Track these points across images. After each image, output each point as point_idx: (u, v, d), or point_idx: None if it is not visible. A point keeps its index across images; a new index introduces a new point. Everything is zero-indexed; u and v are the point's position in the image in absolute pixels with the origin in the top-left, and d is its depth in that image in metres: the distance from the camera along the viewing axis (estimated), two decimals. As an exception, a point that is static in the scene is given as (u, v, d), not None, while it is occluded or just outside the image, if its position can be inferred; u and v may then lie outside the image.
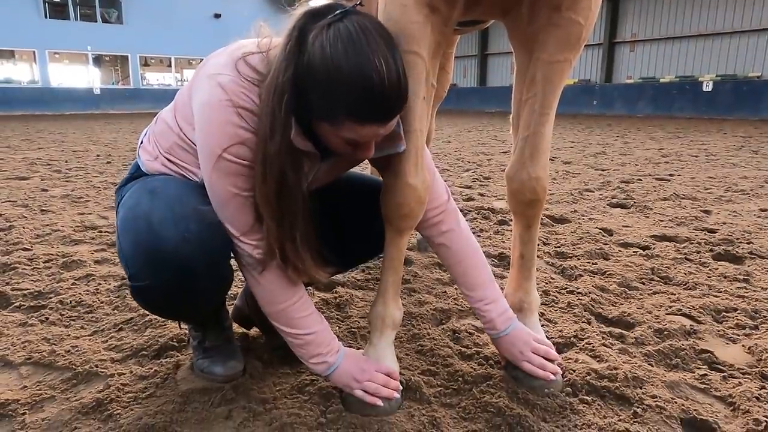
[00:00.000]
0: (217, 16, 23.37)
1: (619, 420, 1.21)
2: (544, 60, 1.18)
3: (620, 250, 2.54)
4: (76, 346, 1.54)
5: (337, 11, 1.02)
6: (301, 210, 1.09)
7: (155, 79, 26.35)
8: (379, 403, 1.21)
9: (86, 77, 23.61)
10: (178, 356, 1.50)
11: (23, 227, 2.90)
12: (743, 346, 1.58)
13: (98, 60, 24.48)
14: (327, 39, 0.98)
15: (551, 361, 1.32)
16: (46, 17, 20.98)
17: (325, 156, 1.16)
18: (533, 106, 1.23)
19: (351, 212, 1.43)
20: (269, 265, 1.14)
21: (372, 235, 1.40)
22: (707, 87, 16.05)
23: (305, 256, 1.12)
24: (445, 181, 4.42)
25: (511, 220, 1.41)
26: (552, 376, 1.27)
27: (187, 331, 1.51)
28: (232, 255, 1.20)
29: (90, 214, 3.30)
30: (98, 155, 6.55)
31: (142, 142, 1.33)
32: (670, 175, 4.91)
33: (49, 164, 5.67)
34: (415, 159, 1.22)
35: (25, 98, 20.50)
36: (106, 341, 1.60)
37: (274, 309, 1.20)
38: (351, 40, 0.97)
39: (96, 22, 22.12)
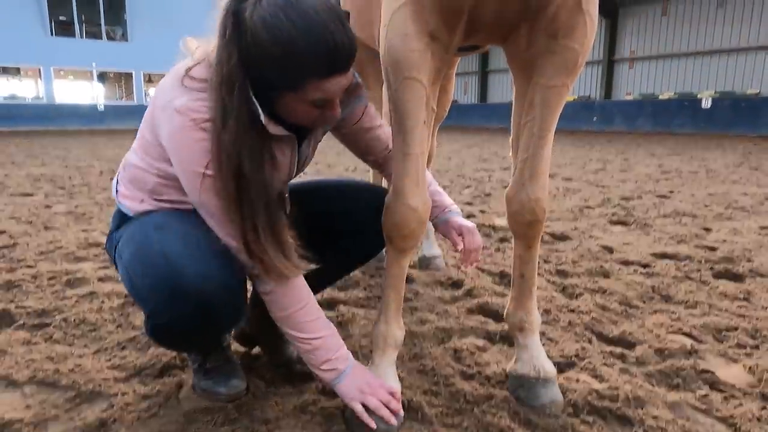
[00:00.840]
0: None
1: (621, 441, 1.21)
2: (542, 85, 1.21)
3: (621, 268, 2.55)
4: (80, 365, 1.55)
5: None
6: (262, 199, 1.08)
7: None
8: (373, 425, 1.20)
9: (90, 93, 23.87)
10: (181, 375, 1.50)
11: (27, 244, 2.92)
12: (744, 365, 1.58)
13: (103, 76, 24.79)
14: (266, 12, 1.00)
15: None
16: (52, 35, 21.29)
17: (301, 137, 1.22)
18: (532, 129, 1.26)
19: (349, 212, 1.46)
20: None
21: (370, 233, 1.42)
22: (706, 104, 16.17)
23: (269, 247, 1.10)
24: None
25: (512, 238, 1.43)
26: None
27: (185, 355, 1.50)
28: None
29: (94, 231, 3.32)
30: (102, 171, 6.60)
31: (118, 191, 1.33)
32: (671, 191, 4.93)
33: (53, 180, 5.71)
34: (416, 180, 1.25)
35: (29, 114, 20.70)
36: (110, 360, 1.60)
37: (282, 314, 1.21)
38: (288, 4, 1.00)
39: (101, 39, 22.43)
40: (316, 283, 1.66)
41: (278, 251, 1.12)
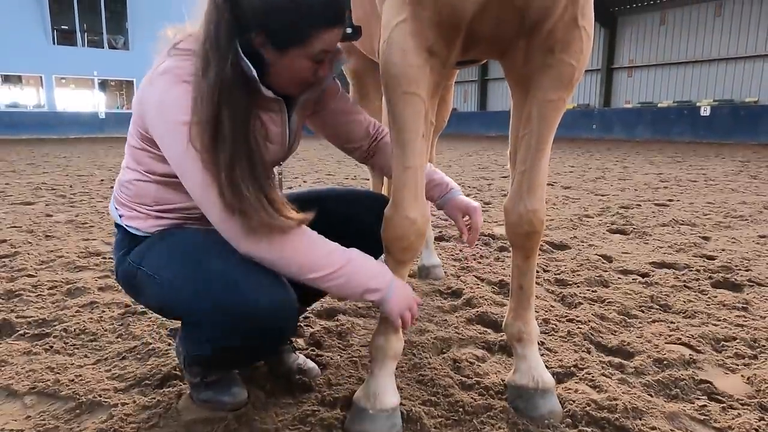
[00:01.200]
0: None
1: (619, 452, 1.22)
2: (539, 99, 1.23)
3: (620, 278, 2.56)
4: (80, 375, 1.55)
5: None
6: (241, 147, 1.09)
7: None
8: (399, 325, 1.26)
9: (92, 101, 23.96)
10: (180, 385, 1.51)
11: (28, 253, 2.93)
12: (742, 376, 1.59)
13: (104, 85, 24.87)
14: None
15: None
16: (54, 43, 21.42)
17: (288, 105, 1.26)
18: (530, 142, 1.28)
19: (349, 219, 1.48)
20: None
21: (370, 241, 1.40)
22: (705, 112, 16.24)
23: (249, 194, 1.07)
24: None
25: (511, 248, 1.44)
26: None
27: (182, 368, 1.47)
28: None
29: (94, 240, 3.33)
30: (102, 180, 6.62)
31: (121, 216, 1.32)
32: (669, 200, 4.95)
33: (54, 189, 5.73)
34: (414, 193, 1.26)
35: (30, 122, 20.79)
36: (110, 370, 1.61)
37: (295, 266, 1.14)
38: None
39: (103, 47, 22.57)
40: (315, 290, 1.67)
41: (261, 202, 1.08)
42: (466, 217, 1.48)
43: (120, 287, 2.25)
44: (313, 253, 1.15)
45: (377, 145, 1.52)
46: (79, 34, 21.80)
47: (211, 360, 1.26)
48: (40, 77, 21.72)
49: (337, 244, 1.20)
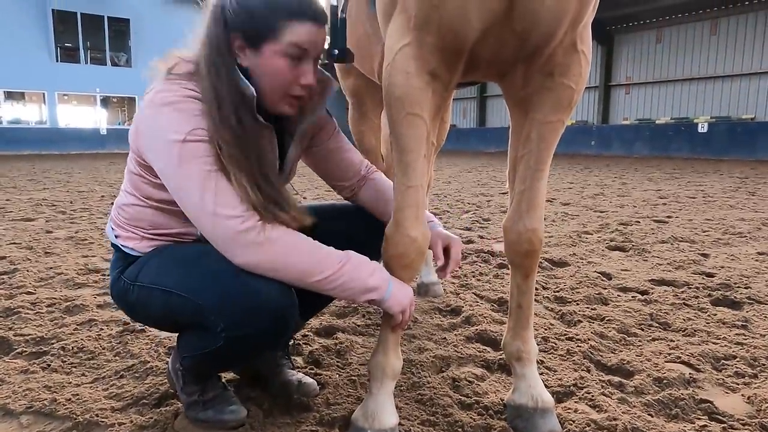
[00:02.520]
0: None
1: (620, 473, 1.21)
2: (538, 120, 1.25)
3: (619, 295, 2.56)
4: (77, 395, 1.54)
5: None
6: (250, 152, 1.17)
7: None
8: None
9: (93, 117, 24.14)
10: (178, 405, 1.50)
11: (27, 270, 2.93)
12: (743, 395, 1.58)
13: (105, 101, 25.09)
14: None
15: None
16: (57, 61, 21.66)
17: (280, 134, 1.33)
18: (528, 162, 1.29)
19: (349, 233, 1.47)
20: (272, 224, 1.16)
21: (369, 255, 1.41)
22: (702, 128, 16.36)
23: (260, 192, 1.15)
24: (445, 223, 4.45)
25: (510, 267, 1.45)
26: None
27: (178, 390, 1.45)
28: None
29: (93, 256, 3.33)
30: (103, 196, 6.64)
31: (117, 236, 1.35)
32: (668, 217, 4.96)
33: (54, 205, 5.74)
34: (415, 212, 1.27)
35: (33, 138, 20.92)
36: (107, 389, 1.60)
37: (297, 260, 1.16)
38: None
39: (105, 65, 22.82)
40: (313, 305, 1.67)
41: (274, 197, 1.17)
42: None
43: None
44: (313, 256, 1.17)
45: (366, 182, 1.54)
46: (82, 52, 22.06)
47: (220, 353, 1.24)
48: (43, 94, 21.93)
49: (332, 247, 1.21)
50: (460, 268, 1.42)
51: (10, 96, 22.99)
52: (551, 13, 1.08)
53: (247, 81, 1.19)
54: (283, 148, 1.38)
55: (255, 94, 1.19)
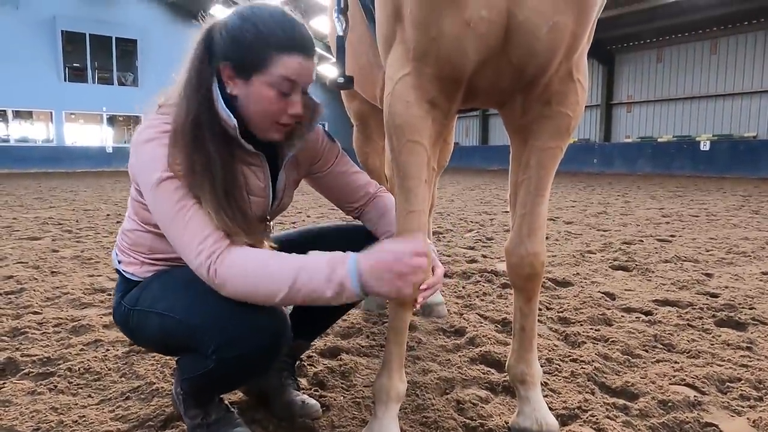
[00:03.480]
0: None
1: (625, 498, 1.20)
2: (537, 147, 1.28)
3: (623, 316, 2.56)
4: (84, 416, 1.55)
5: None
6: (220, 182, 1.18)
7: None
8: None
9: (100, 136, 24.43)
10: (183, 427, 1.50)
11: (34, 290, 2.95)
12: (748, 419, 1.58)
13: (112, 120, 25.42)
14: (236, 16, 1.22)
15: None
16: (65, 80, 22.02)
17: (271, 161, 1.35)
18: (528, 188, 1.32)
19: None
20: (235, 243, 1.16)
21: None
22: (704, 146, 16.40)
23: (228, 217, 1.15)
24: (448, 242, 4.44)
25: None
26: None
27: (182, 413, 1.44)
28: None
29: (99, 276, 3.35)
30: (108, 215, 6.69)
31: (120, 261, 1.41)
32: (672, 235, 4.96)
33: (61, 224, 5.79)
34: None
35: (40, 156, 21.18)
36: (113, 410, 1.61)
37: (260, 282, 1.12)
38: (251, 9, 1.23)
39: (112, 84, 23.18)
40: (314, 328, 1.69)
41: (240, 219, 1.18)
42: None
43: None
44: (266, 276, 1.11)
45: (373, 200, 1.56)
46: (90, 72, 22.44)
47: (214, 375, 1.24)
48: (51, 112, 22.25)
49: (287, 255, 1.16)
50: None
51: (18, 115, 23.32)
52: (546, 45, 1.12)
53: (229, 111, 1.21)
54: (276, 175, 1.41)
55: (236, 124, 1.22)
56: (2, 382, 1.79)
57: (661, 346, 2.17)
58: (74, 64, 22.44)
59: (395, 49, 1.25)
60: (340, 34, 1.56)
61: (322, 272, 1.09)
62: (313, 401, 1.58)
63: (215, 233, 1.15)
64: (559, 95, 1.23)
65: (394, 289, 1.09)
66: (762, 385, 1.79)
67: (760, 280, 3.24)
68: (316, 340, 2.18)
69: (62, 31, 21.56)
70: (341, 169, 1.53)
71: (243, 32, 1.19)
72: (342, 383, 1.82)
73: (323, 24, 18.10)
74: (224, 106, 1.22)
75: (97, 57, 22.57)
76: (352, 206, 1.57)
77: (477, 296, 2.89)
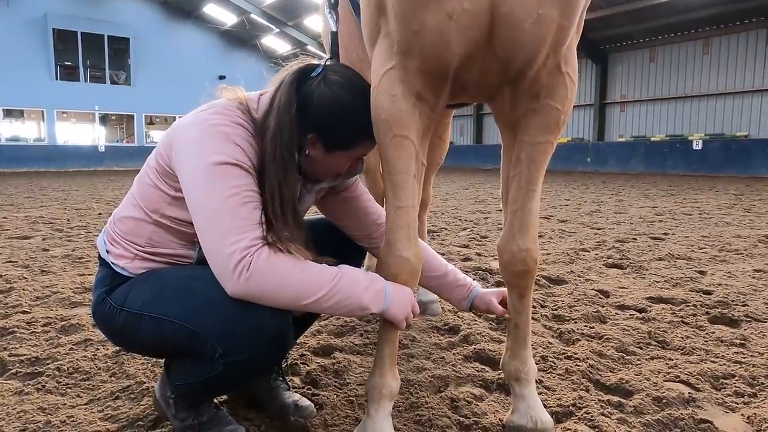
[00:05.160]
0: (222, 77, 24.34)
1: (620, 496, 1.20)
2: (527, 142, 1.27)
3: (617, 313, 2.56)
4: (72, 416, 1.53)
5: (319, 66, 1.29)
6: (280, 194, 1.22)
7: (159, 137, 27.06)
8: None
9: (92, 135, 24.24)
10: (173, 427, 1.48)
11: (23, 289, 2.91)
12: (742, 415, 1.58)
13: (104, 119, 25.24)
14: (331, 87, 1.25)
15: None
16: (57, 79, 21.82)
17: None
18: (519, 183, 1.31)
19: (342, 248, 1.52)
20: (274, 249, 1.16)
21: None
22: (697, 145, 16.49)
23: (279, 217, 1.20)
24: (443, 240, 4.44)
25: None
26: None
27: (169, 416, 1.42)
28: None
29: (90, 275, 3.31)
30: (100, 213, 6.63)
31: (108, 252, 1.33)
32: (665, 233, 4.98)
33: (51, 223, 5.73)
34: (407, 233, 1.28)
35: (31, 155, 20.96)
36: (102, 410, 1.58)
37: (287, 286, 1.14)
38: (349, 83, 1.28)
39: (105, 83, 23.00)
40: (301, 327, 1.67)
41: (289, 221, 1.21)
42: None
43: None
44: (304, 279, 1.15)
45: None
46: (81, 70, 22.25)
47: (220, 379, 1.22)
48: (42, 111, 22.04)
49: (323, 264, 1.21)
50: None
51: (9, 114, 23.11)
52: (531, 37, 1.11)
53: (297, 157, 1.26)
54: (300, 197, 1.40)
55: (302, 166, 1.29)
56: (-11, 382, 1.76)
57: (655, 343, 2.16)
58: (66, 63, 22.24)
59: (380, 43, 1.23)
60: (334, 30, 1.54)
61: (362, 282, 1.21)
62: (306, 402, 1.56)
63: (259, 229, 1.15)
64: (548, 89, 1.21)
65: (402, 317, 1.27)
66: (756, 382, 1.79)
67: (753, 277, 3.25)
68: (309, 340, 2.17)
69: (53, 29, 21.35)
70: (356, 194, 1.53)
71: (340, 112, 1.24)
72: (335, 382, 1.80)
73: (317, 23, 18.03)
74: (296, 153, 1.26)
75: (89, 55, 22.37)
76: (365, 235, 1.54)
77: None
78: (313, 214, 1.76)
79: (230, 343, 1.16)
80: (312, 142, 1.26)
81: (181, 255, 1.31)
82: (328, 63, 1.32)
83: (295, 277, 1.14)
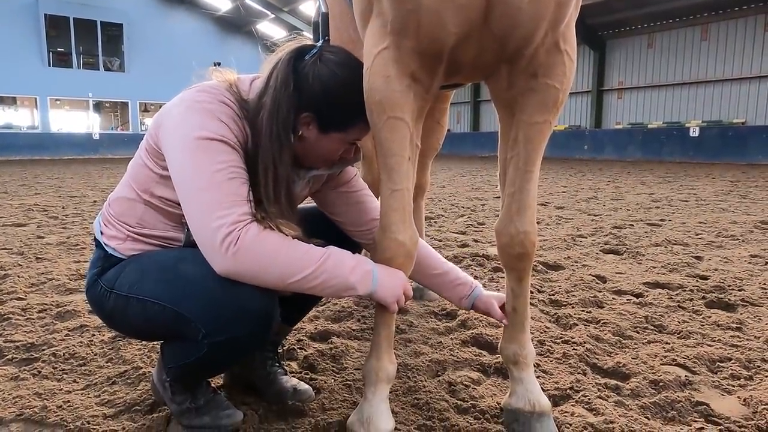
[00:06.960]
0: (217, 64, 24.02)
1: (617, 477, 1.20)
2: (524, 122, 1.25)
3: (614, 298, 2.56)
4: (68, 401, 1.52)
5: (315, 47, 1.26)
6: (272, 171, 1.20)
7: (154, 123, 26.83)
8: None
9: (86, 122, 24.02)
10: (170, 411, 1.48)
11: (18, 276, 2.90)
12: (738, 397, 1.58)
13: (98, 106, 24.97)
14: (327, 66, 1.22)
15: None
16: (49, 65, 21.55)
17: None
18: (517, 164, 1.29)
19: (338, 233, 1.51)
20: (263, 225, 1.15)
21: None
22: (694, 132, 16.47)
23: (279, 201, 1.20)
24: (440, 227, 4.45)
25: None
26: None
27: (167, 400, 1.42)
28: None
29: (85, 261, 3.30)
30: (95, 201, 6.59)
31: (102, 233, 1.33)
32: (662, 220, 4.98)
33: (46, 210, 5.69)
34: (402, 216, 1.27)
35: (24, 143, 20.76)
36: (99, 395, 1.58)
37: (274, 264, 1.12)
38: (344, 62, 1.26)
39: (98, 70, 22.72)
40: (300, 310, 1.65)
41: (282, 200, 1.20)
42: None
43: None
44: (291, 256, 1.13)
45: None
46: (75, 57, 21.96)
47: (206, 360, 1.22)
48: (35, 99, 21.79)
49: (311, 244, 1.19)
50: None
51: (1, 101, 22.85)
52: (529, 15, 1.08)
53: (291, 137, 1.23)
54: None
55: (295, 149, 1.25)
56: (-16, 368, 1.75)
57: (652, 328, 2.17)
58: (58, 49, 21.93)
59: (372, 23, 1.20)
60: (324, 11, 1.51)
61: (349, 262, 1.18)
62: (305, 386, 1.56)
63: (247, 205, 1.14)
64: (546, 67, 1.19)
65: (393, 299, 1.25)
66: (751, 365, 1.80)
67: (749, 263, 3.26)
68: (306, 325, 2.16)
69: (45, 14, 21.02)
70: (354, 189, 1.50)
71: (336, 90, 1.22)
72: (333, 366, 1.80)
73: (312, 9, 17.84)
74: (291, 133, 1.23)
75: (82, 41, 22.06)
76: (361, 230, 1.50)
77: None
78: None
79: (213, 323, 1.15)
80: (306, 122, 1.24)
81: (171, 237, 1.30)
82: (324, 43, 1.30)
83: (282, 254, 1.13)
